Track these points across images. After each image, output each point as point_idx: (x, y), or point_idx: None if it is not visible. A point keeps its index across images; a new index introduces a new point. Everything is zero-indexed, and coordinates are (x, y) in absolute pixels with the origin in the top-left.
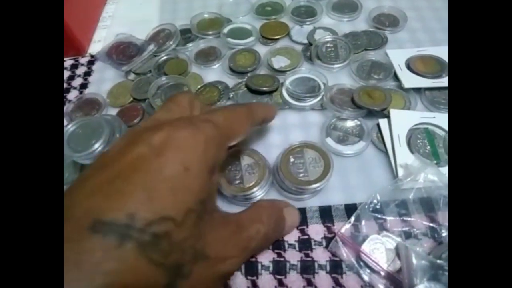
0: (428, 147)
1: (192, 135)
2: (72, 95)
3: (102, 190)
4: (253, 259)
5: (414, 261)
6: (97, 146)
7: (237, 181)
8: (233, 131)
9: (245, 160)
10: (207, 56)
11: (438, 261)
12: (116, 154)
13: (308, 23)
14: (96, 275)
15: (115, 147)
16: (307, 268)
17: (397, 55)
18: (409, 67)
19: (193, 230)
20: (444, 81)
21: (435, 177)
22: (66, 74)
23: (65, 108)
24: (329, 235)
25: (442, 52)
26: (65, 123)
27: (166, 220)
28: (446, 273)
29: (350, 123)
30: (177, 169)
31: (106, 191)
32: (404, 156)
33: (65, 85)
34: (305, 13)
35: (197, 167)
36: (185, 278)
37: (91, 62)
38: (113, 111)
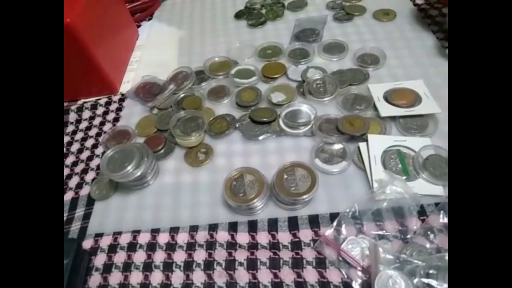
0: (400, 165)
1: None
2: (107, 127)
3: None
4: (254, 257)
5: (381, 255)
6: (130, 168)
7: (241, 194)
8: None
9: (247, 177)
10: (217, 93)
11: (401, 255)
12: None
13: (302, 63)
14: None
15: None
16: (297, 264)
17: (377, 89)
18: (386, 99)
19: None
20: (415, 110)
21: (401, 189)
22: (101, 110)
23: (101, 138)
24: (316, 238)
25: (415, 85)
26: (102, 150)
27: None
28: (408, 266)
29: (335, 146)
30: None
31: None
32: (378, 173)
33: (100, 119)
34: (300, 54)
35: None
36: None
37: (122, 100)
38: (140, 140)
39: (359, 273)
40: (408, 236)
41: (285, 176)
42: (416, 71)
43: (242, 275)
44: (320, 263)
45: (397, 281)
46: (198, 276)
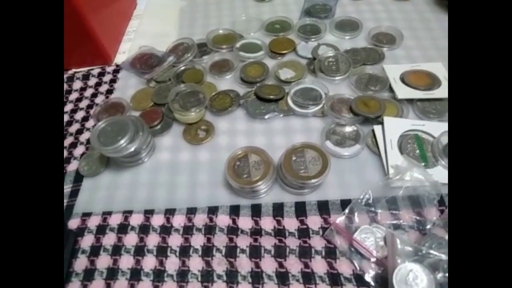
0: (417, 151)
1: None
2: (99, 99)
3: None
4: (257, 244)
5: (399, 246)
6: (123, 142)
7: (245, 175)
8: None
9: (252, 158)
10: (221, 67)
11: (421, 248)
12: None
13: (313, 39)
14: None
15: None
16: (305, 253)
17: (393, 70)
18: (403, 80)
19: None
20: (434, 93)
21: (421, 176)
22: (94, 81)
23: (92, 110)
24: (326, 226)
25: (434, 67)
26: (93, 123)
27: None
28: (428, 259)
29: (347, 129)
30: None
31: None
32: (395, 158)
33: (92, 90)
34: (311, 31)
35: None
36: None
37: (116, 71)
38: (136, 114)
39: (373, 265)
40: (428, 227)
41: (294, 158)
42: (434, 53)
43: (243, 263)
44: (330, 253)
45: (418, 275)
46: (195, 263)
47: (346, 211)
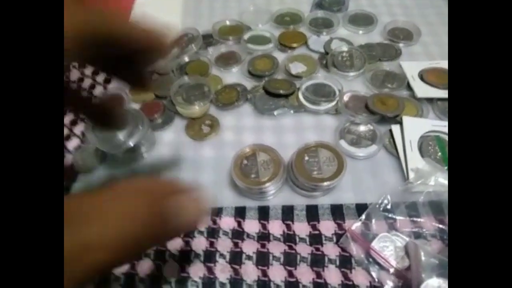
0: (439, 154)
1: None
2: (97, 90)
3: None
4: (265, 250)
5: (423, 258)
6: (121, 137)
7: (253, 175)
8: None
9: (261, 156)
10: (227, 60)
11: (447, 260)
12: None
13: (324, 33)
14: None
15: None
16: (317, 262)
17: (411, 67)
18: (422, 78)
19: None
20: None
21: (445, 181)
22: (91, 69)
23: None
24: (340, 232)
25: None
26: None
27: None
28: None
29: (363, 128)
30: None
31: None
32: (415, 161)
33: (90, 80)
34: (322, 24)
35: None
36: None
37: None
38: (135, 106)
39: (392, 277)
40: None
41: (306, 158)
42: None
43: (249, 271)
44: (345, 262)
45: None
46: (196, 269)
47: (363, 217)
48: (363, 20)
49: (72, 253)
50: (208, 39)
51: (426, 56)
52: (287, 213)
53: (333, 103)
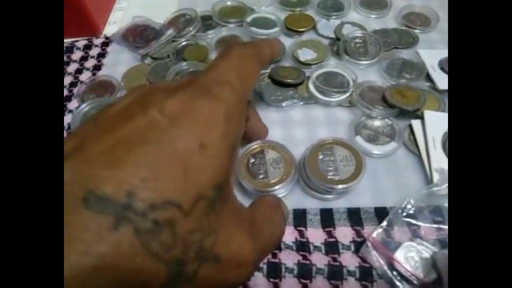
0: None
1: (211, 106)
2: (85, 76)
3: (101, 157)
4: (277, 260)
5: None
6: None
7: (261, 176)
8: (248, 85)
9: (270, 154)
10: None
11: None
12: (122, 115)
13: (334, 17)
14: (85, 256)
15: (120, 104)
16: (335, 274)
17: (429, 55)
18: (442, 68)
19: (202, 222)
20: None
21: None
22: (79, 54)
23: (76, 89)
24: (358, 239)
25: None
26: (77, 104)
27: (172, 205)
28: None
29: (379, 122)
30: (192, 145)
31: (105, 159)
32: (439, 161)
33: (77, 65)
34: (332, 7)
35: (216, 145)
36: (188, 280)
37: (105, 44)
38: None
39: None
40: None
41: (321, 156)
42: None
43: (259, 284)
44: (366, 275)
45: None
46: None
47: (384, 223)
48: (377, 3)
49: None
50: (207, 21)
51: (445, 44)
52: (299, 217)
53: (347, 95)
